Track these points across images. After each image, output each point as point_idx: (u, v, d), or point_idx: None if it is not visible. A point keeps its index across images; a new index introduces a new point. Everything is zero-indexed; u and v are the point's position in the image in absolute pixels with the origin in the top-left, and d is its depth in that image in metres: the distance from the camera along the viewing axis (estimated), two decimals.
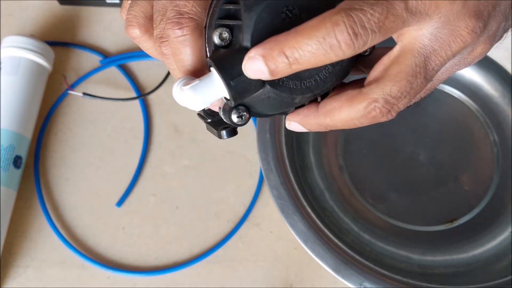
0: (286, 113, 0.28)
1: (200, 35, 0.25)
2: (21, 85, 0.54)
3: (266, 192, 0.55)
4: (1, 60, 0.55)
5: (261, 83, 0.24)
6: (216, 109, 0.28)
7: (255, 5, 0.24)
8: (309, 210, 0.48)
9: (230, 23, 0.24)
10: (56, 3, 0.63)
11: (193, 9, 0.25)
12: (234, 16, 0.24)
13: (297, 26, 0.22)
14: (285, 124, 0.29)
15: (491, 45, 0.26)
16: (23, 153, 0.53)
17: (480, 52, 0.26)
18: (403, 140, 0.56)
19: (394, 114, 0.25)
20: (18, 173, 0.52)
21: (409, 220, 0.53)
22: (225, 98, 0.25)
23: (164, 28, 0.25)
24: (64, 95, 0.58)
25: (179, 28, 0.25)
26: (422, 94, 0.27)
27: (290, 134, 0.52)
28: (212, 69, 0.24)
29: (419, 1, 0.22)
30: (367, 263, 0.47)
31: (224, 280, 0.51)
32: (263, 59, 0.22)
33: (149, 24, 0.28)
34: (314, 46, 0.21)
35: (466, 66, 0.27)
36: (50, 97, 0.58)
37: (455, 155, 0.56)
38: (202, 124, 0.59)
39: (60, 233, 0.52)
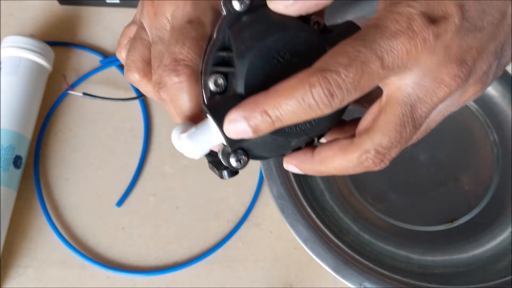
0: (284, 155, 0.28)
1: (196, 81, 0.26)
2: (21, 85, 0.54)
3: (266, 192, 0.55)
4: (1, 60, 0.55)
5: None
6: (217, 149, 0.28)
7: (247, 51, 0.24)
8: (309, 210, 0.48)
9: (224, 70, 0.25)
10: (56, 3, 0.63)
11: (188, 56, 0.25)
12: (228, 62, 0.25)
13: (275, 86, 0.22)
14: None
15: (485, 84, 0.26)
16: (23, 153, 0.53)
17: (472, 93, 0.26)
18: None
19: (387, 162, 0.25)
20: (18, 173, 0.52)
21: (409, 220, 0.53)
22: (223, 143, 0.25)
23: (161, 75, 0.26)
24: (64, 95, 0.58)
25: (175, 75, 0.25)
26: (418, 136, 0.27)
27: None
28: (208, 116, 0.24)
29: (396, 57, 0.22)
30: (367, 263, 0.47)
31: (224, 280, 0.51)
32: (245, 119, 0.23)
33: (147, 68, 0.29)
34: (294, 106, 0.22)
35: (460, 106, 0.26)
36: (50, 97, 0.58)
37: (455, 155, 0.56)
38: None
39: (60, 233, 0.52)
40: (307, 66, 0.23)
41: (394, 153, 0.25)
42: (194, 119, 0.26)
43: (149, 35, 0.29)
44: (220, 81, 0.25)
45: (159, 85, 0.26)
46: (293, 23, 0.25)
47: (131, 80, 0.30)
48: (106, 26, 0.62)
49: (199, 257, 0.52)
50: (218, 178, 0.57)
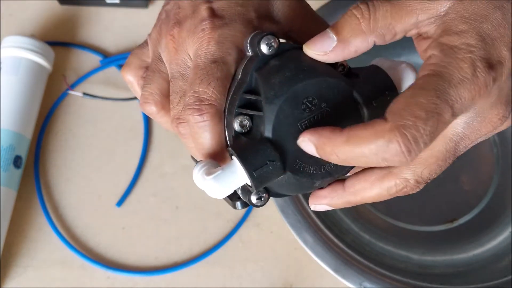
0: (307, 193, 0.28)
1: (219, 120, 0.26)
2: (21, 85, 0.54)
3: None
4: (1, 60, 0.55)
5: (282, 171, 0.25)
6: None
7: (276, 97, 0.24)
8: (309, 210, 0.48)
9: (252, 113, 0.25)
10: (56, 3, 0.63)
11: (213, 96, 0.26)
12: (254, 105, 0.25)
13: (348, 130, 0.22)
14: (309, 206, 0.30)
15: None
16: (23, 153, 0.53)
17: (506, 126, 0.26)
18: None
19: (421, 187, 0.26)
20: (18, 173, 0.52)
21: (409, 220, 0.53)
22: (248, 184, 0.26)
23: (182, 110, 0.26)
24: (64, 95, 0.58)
25: (199, 115, 0.25)
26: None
27: None
28: (234, 158, 0.25)
29: (462, 104, 0.22)
30: (367, 263, 0.47)
31: (224, 280, 0.51)
32: (315, 148, 0.23)
33: (165, 100, 0.29)
34: (367, 155, 0.22)
35: (488, 137, 0.27)
36: (50, 97, 0.58)
37: None
38: None
39: (60, 233, 0.52)
40: (335, 111, 0.24)
41: (430, 180, 0.26)
42: (215, 157, 0.27)
43: (168, 69, 0.29)
44: (246, 122, 0.25)
45: (178, 120, 0.27)
46: (321, 68, 0.25)
47: (147, 111, 0.30)
48: (106, 26, 0.62)
49: (199, 257, 0.52)
50: None
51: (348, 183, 0.27)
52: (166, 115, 0.29)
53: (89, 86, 0.59)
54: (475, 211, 0.54)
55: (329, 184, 0.28)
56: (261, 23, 0.28)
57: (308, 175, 0.25)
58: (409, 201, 0.54)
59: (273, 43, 0.25)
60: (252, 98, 0.25)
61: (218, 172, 0.25)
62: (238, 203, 0.28)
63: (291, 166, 0.25)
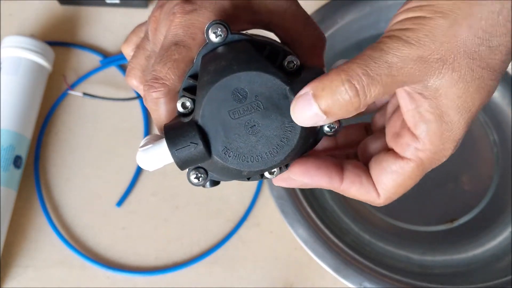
0: (244, 180, 0.29)
1: (171, 99, 0.28)
2: (21, 85, 0.54)
3: (266, 192, 0.55)
4: (1, 60, 0.55)
5: (206, 155, 0.26)
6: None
7: (208, 83, 0.25)
8: (309, 210, 0.48)
9: (189, 96, 0.27)
10: (56, 3, 0.63)
11: (167, 75, 0.27)
12: (194, 90, 0.27)
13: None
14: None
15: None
16: (23, 153, 0.53)
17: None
18: None
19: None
20: (18, 173, 0.52)
21: (409, 220, 0.53)
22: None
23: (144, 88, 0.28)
24: (64, 95, 0.58)
25: (153, 91, 0.27)
26: None
27: None
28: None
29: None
30: (367, 263, 0.47)
31: (224, 280, 0.51)
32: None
33: (144, 76, 0.31)
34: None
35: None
36: (50, 97, 0.58)
37: (455, 155, 0.56)
38: None
39: (60, 233, 0.52)
40: (266, 106, 0.25)
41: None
42: None
43: (150, 47, 0.31)
44: (188, 104, 0.27)
45: (144, 95, 0.28)
46: (259, 63, 0.26)
47: (130, 84, 0.32)
48: (106, 26, 0.62)
49: (199, 257, 0.52)
50: None
51: (345, 184, 0.29)
52: None
53: (89, 86, 0.59)
54: (475, 211, 0.54)
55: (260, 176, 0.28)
56: (237, 12, 0.29)
57: (234, 163, 0.26)
58: (409, 201, 0.54)
59: (220, 32, 0.26)
60: (192, 82, 0.27)
61: (148, 146, 0.27)
62: (207, 183, 0.29)
63: (216, 151, 0.26)
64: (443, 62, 0.23)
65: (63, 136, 0.57)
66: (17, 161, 0.52)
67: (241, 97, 0.26)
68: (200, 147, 0.25)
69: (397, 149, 0.27)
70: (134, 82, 0.32)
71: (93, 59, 0.60)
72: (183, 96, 0.27)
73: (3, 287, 0.50)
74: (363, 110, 0.24)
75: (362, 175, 0.28)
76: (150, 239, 0.53)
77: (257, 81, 0.26)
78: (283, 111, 0.26)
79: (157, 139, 0.27)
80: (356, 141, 0.32)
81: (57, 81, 0.59)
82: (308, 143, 0.27)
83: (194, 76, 0.27)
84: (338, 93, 0.23)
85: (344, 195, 0.29)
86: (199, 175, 0.27)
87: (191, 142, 0.25)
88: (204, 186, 0.29)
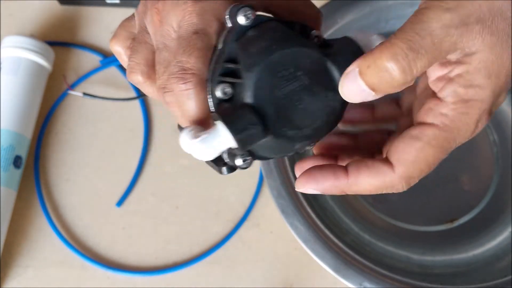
0: (287, 156, 0.30)
1: (202, 88, 0.27)
2: (21, 85, 0.54)
3: (266, 192, 0.55)
4: (1, 60, 0.55)
5: (264, 134, 0.26)
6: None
7: (254, 65, 0.26)
8: (309, 210, 0.48)
9: (232, 80, 0.27)
10: (56, 3, 0.63)
11: (195, 65, 0.27)
12: (234, 73, 0.27)
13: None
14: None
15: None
16: (23, 153, 0.53)
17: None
18: None
19: (411, 185, 0.28)
20: (18, 173, 0.52)
21: (409, 220, 0.53)
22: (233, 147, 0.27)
23: (167, 80, 0.27)
24: (64, 95, 0.58)
25: (183, 83, 0.27)
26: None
27: None
28: (219, 122, 0.26)
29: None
30: (367, 263, 0.47)
31: (224, 280, 0.51)
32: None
33: (150, 70, 0.30)
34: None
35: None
36: (50, 97, 0.58)
37: (455, 155, 0.56)
38: None
39: (60, 233, 0.52)
40: (311, 80, 0.27)
41: (418, 179, 0.28)
42: (200, 123, 0.28)
43: (154, 41, 0.30)
44: (227, 89, 0.27)
45: (164, 89, 0.28)
46: (295, 39, 0.27)
47: (134, 81, 0.31)
48: (106, 26, 0.62)
49: (199, 257, 0.52)
50: (218, 178, 0.58)
51: (352, 174, 0.28)
52: (151, 84, 0.30)
53: (89, 86, 0.59)
54: (475, 211, 0.54)
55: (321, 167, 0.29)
56: None
57: (288, 138, 0.27)
58: (409, 201, 0.54)
59: (249, 15, 0.27)
60: (232, 66, 0.27)
61: (204, 135, 0.26)
62: (224, 168, 0.30)
63: (272, 129, 0.27)
64: (482, 25, 0.23)
65: (63, 136, 0.57)
66: (17, 161, 0.52)
67: (286, 74, 0.27)
68: (259, 127, 0.26)
69: (418, 118, 0.27)
70: (140, 78, 0.30)
71: (93, 59, 0.60)
72: (222, 81, 0.27)
73: (3, 287, 0.50)
74: (411, 84, 0.25)
75: (367, 160, 0.28)
76: (150, 239, 0.53)
77: (299, 57, 0.27)
78: (326, 84, 0.27)
79: (199, 130, 0.27)
80: (390, 116, 0.33)
81: (57, 81, 0.59)
82: (341, 116, 0.29)
83: (230, 61, 0.27)
84: (384, 70, 0.24)
85: (356, 191, 0.28)
86: (246, 157, 0.28)
87: (249, 124, 0.26)
88: (222, 172, 0.29)
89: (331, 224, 0.51)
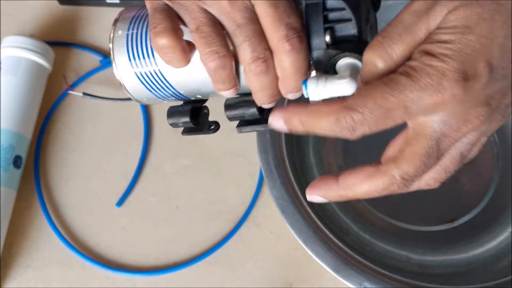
0: None
1: (306, 44, 0.30)
2: (21, 85, 0.54)
3: (266, 192, 0.55)
4: (1, 60, 0.55)
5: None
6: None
7: (358, 5, 0.30)
8: (309, 210, 0.48)
9: (343, 18, 0.30)
10: (56, 3, 0.63)
11: (298, 24, 0.29)
12: (339, 18, 0.30)
13: (312, 106, 0.27)
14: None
15: (507, 116, 0.28)
16: (23, 153, 0.53)
17: (496, 124, 0.28)
18: None
19: (409, 187, 0.29)
20: (18, 173, 0.52)
21: (409, 220, 0.53)
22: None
23: (279, 42, 0.29)
24: (64, 95, 0.58)
25: (298, 41, 0.29)
26: (455, 167, 0.31)
27: (290, 134, 0.52)
28: (352, 59, 0.30)
29: (421, 107, 0.25)
30: (367, 263, 0.47)
31: (224, 280, 0.51)
32: (284, 122, 0.28)
33: (179, 30, 0.31)
34: (323, 126, 0.27)
35: (489, 135, 0.29)
36: (50, 97, 0.58)
37: None
38: None
39: (60, 233, 0.52)
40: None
41: (417, 178, 0.28)
42: (306, 75, 0.30)
43: (231, 21, 0.30)
44: (332, 33, 0.30)
45: (261, 60, 0.29)
46: None
47: (161, 43, 0.30)
48: (106, 26, 0.62)
49: (199, 257, 0.52)
50: (218, 178, 0.58)
51: (342, 178, 0.30)
52: (182, 53, 0.31)
53: (89, 86, 0.59)
54: (475, 211, 0.54)
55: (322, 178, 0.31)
56: None
57: None
58: (409, 201, 0.54)
59: None
60: (338, 6, 0.30)
61: (347, 77, 0.28)
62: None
63: None
64: None
65: (63, 136, 0.57)
66: (17, 161, 0.52)
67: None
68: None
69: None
70: (171, 42, 0.30)
71: (93, 59, 0.60)
72: (328, 28, 0.30)
73: (3, 287, 0.50)
74: (395, 68, 0.26)
75: (360, 165, 0.30)
76: (150, 239, 0.53)
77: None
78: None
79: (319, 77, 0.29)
80: None
81: (57, 81, 0.59)
82: None
83: (329, 10, 0.30)
84: (367, 64, 0.27)
85: (355, 194, 0.29)
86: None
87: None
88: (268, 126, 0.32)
89: (331, 224, 0.51)
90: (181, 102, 0.37)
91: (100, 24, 0.62)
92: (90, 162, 0.56)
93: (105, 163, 0.56)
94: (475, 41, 0.25)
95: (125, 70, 0.34)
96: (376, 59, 0.26)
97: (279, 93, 0.32)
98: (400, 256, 0.52)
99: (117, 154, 0.56)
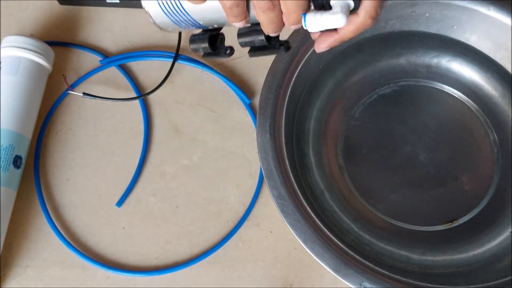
0: None
1: None
2: (21, 85, 0.54)
3: (266, 192, 0.55)
4: (1, 60, 0.55)
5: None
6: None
7: None
8: (309, 210, 0.48)
9: None
10: (56, 3, 0.63)
11: None
12: None
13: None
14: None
15: None
16: (23, 153, 0.53)
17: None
18: (403, 140, 0.56)
19: (376, 19, 0.36)
20: (18, 173, 0.52)
21: (409, 220, 0.53)
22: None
23: None
24: (64, 95, 0.58)
25: None
26: None
27: (290, 134, 0.52)
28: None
29: None
30: (367, 263, 0.47)
31: (224, 280, 0.51)
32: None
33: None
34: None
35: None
36: (50, 97, 0.58)
37: (455, 155, 0.56)
38: (202, 123, 0.59)
39: (60, 233, 0.52)
40: None
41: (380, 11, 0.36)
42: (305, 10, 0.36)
43: None
44: None
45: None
46: None
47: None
48: (106, 26, 0.62)
49: (199, 257, 0.52)
50: (217, 178, 0.57)
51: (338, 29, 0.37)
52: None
53: (89, 86, 0.59)
54: (475, 211, 0.54)
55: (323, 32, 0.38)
56: None
57: None
58: (409, 201, 0.54)
59: None
60: None
61: (339, 13, 0.34)
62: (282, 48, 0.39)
63: None
64: None
65: (63, 136, 0.57)
66: (17, 161, 0.52)
67: None
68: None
69: None
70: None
71: (93, 59, 0.60)
72: None
73: (3, 287, 0.50)
74: None
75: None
76: (150, 239, 0.53)
77: None
78: None
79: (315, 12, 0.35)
80: None
81: (57, 81, 0.59)
82: None
83: None
84: None
85: (343, 35, 0.37)
86: None
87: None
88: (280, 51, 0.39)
89: (331, 224, 0.51)
90: (199, 30, 0.42)
91: (100, 24, 0.62)
92: (90, 162, 0.56)
93: (105, 163, 0.56)
94: None
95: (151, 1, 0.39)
96: None
97: (283, 24, 0.37)
98: (400, 256, 0.52)
99: (117, 154, 0.56)
